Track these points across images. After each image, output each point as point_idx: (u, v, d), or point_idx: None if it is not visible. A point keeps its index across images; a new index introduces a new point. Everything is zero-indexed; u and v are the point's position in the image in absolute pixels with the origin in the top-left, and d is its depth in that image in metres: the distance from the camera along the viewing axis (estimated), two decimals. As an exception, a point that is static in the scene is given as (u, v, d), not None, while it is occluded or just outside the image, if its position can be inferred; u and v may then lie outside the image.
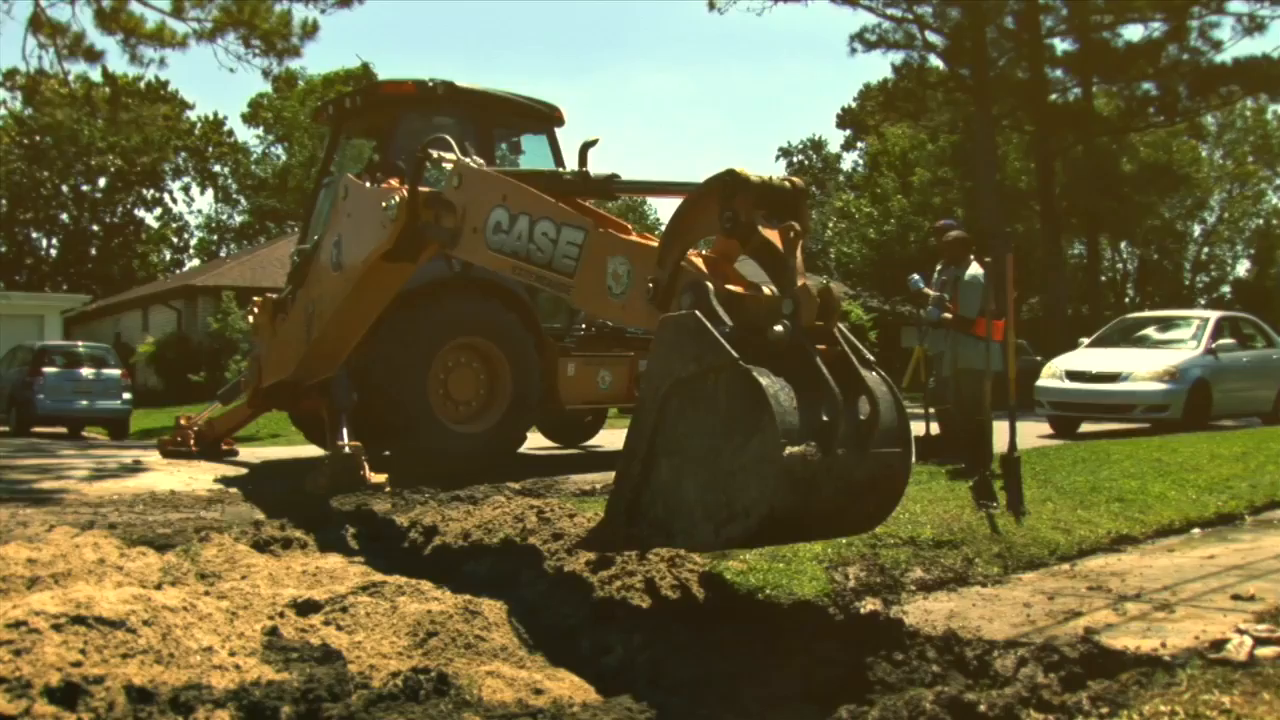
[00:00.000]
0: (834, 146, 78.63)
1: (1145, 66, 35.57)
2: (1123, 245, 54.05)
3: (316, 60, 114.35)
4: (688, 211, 4.49)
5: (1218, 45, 34.71)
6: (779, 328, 3.97)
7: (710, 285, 4.17)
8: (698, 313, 4.06)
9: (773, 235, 4.23)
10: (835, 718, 3.71)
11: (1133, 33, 36.27)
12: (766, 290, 4.24)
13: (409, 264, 6.68)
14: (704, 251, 4.68)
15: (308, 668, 3.90)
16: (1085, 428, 16.73)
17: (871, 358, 4.11)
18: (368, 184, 6.92)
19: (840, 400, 3.78)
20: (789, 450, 3.61)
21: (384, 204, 6.27)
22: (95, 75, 25.27)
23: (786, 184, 4.33)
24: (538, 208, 5.33)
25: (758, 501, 3.71)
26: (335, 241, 7.26)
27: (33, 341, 27.67)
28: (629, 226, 5.25)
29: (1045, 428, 16.50)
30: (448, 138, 6.24)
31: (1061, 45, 37.30)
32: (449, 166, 5.96)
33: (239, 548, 5.68)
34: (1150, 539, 7.46)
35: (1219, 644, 4.16)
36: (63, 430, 24.18)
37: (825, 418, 3.77)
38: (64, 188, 60.89)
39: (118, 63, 57.72)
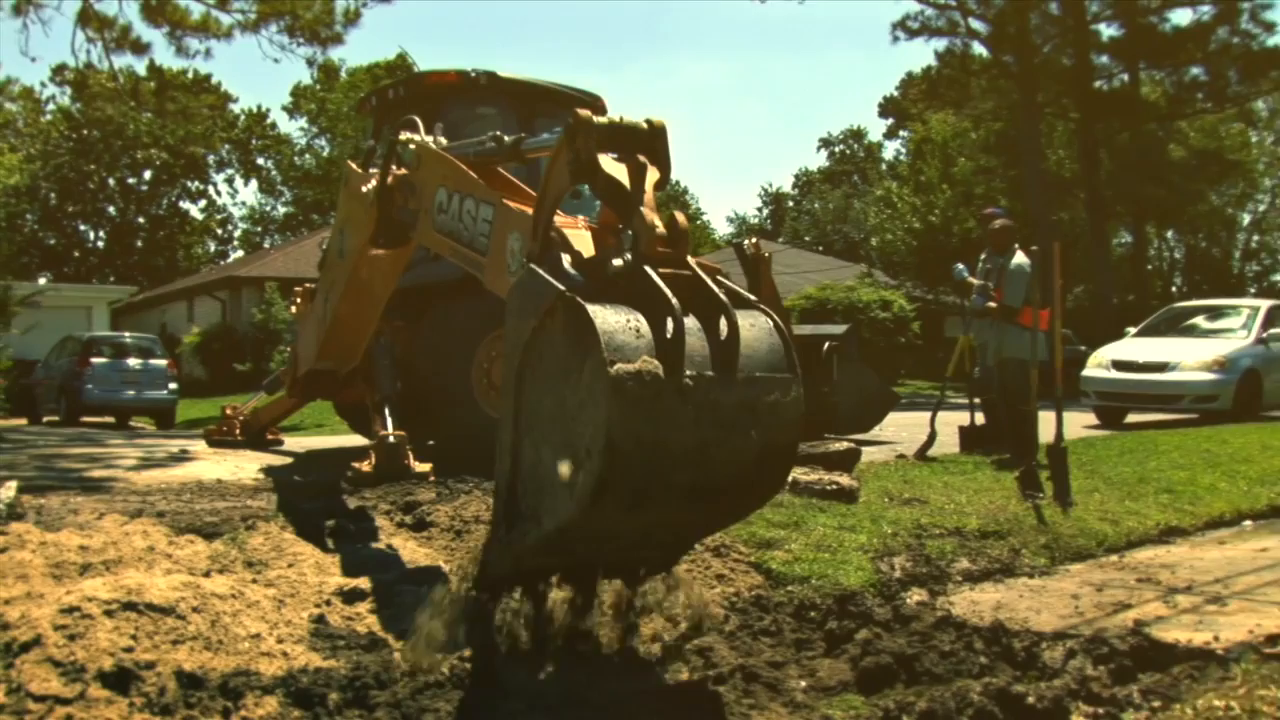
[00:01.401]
0: (876, 135, 78.36)
1: (1194, 51, 35.09)
2: (1170, 233, 53.43)
3: (357, 52, 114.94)
4: (548, 170, 4.17)
5: (1270, 28, 34.19)
6: (617, 261, 3.61)
7: (567, 255, 3.83)
8: (531, 265, 3.76)
9: (622, 171, 3.89)
10: (883, 708, 3.70)
11: (1181, 17, 35.82)
12: None
13: (402, 250, 6.64)
14: (591, 223, 4.40)
15: (354, 655, 3.93)
16: (1132, 418, 16.56)
17: (751, 297, 3.67)
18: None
19: (679, 311, 3.32)
20: (619, 367, 3.19)
21: (364, 189, 6.28)
22: (141, 68, 25.54)
23: (641, 124, 3.96)
24: (464, 184, 5.09)
25: (596, 434, 3.24)
26: (340, 228, 7.31)
27: (81, 332, 27.98)
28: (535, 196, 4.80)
29: (1091, 418, 16.34)
30: (415, 119, 6.14)
31: (1107, 30, 36.92)
32: (413, 148, 5.89)
33: (285, 536, 5.72)
34: (1200, 531, 7.38)
35: (1275, 638, 4.12)
36: (110, 420, 24.45)
37: (668, 335, 3.33)
38: (110, 181, 61.49)
39: (164, 55, 58.18)
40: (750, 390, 3.43)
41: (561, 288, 3.47)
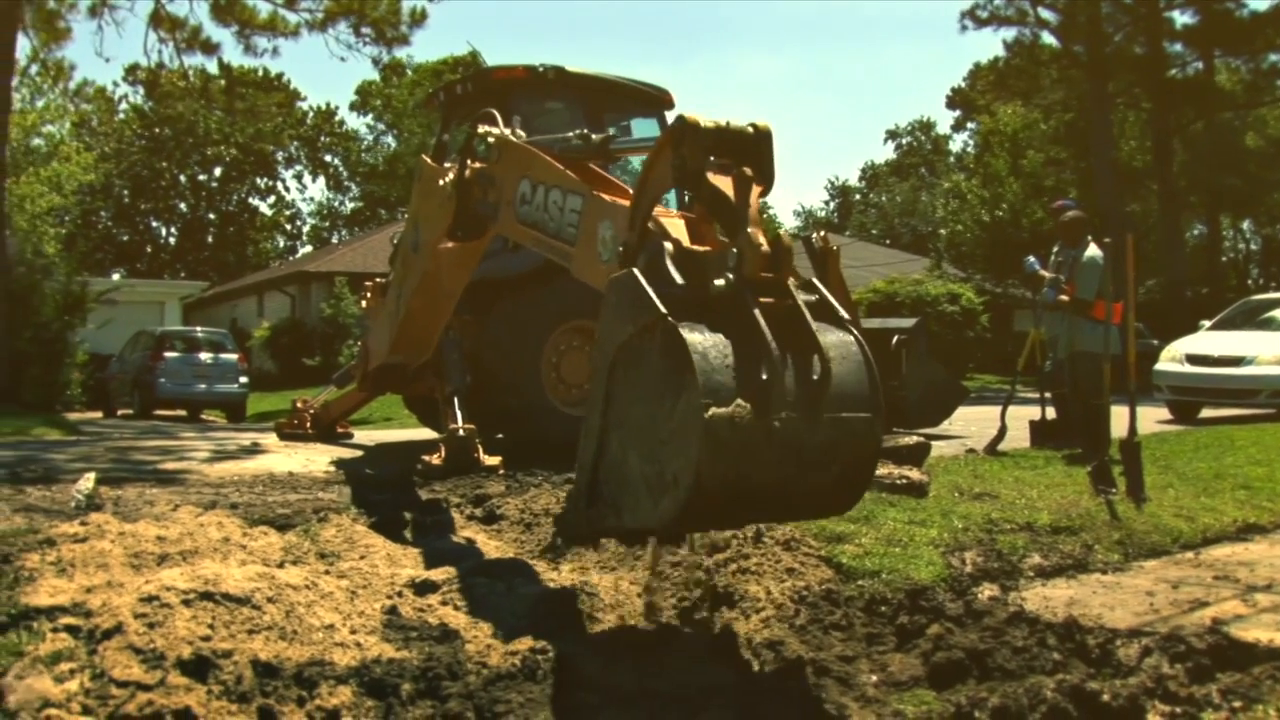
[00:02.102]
0: (943, 127, 77.55)
1: (1274, 36, 34.36)
2: (1245, 224, 52.45)
3: (423, 49, 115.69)
4: (648, 166, 4.21)
5: (1354, 11, 33.43)
6: (720, 281, 3.60)
7: (668, 245, 3.86)
8: (634, 270, 3.74)
9: (726, 184, 3.91)
10: (954, 704, 3.67)
11: (1259, 2, 35.12)
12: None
13: (476, 243, 6.68)
14: (686, 213, 4.42)
15: (426, 646, 3.96)
16: (1206, 413, 16.27)
17: (844, 314, 3.70)
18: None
19: (777, 355, 3.39)
20: (713, 411, 3.26)
21: (441, 182, 6.32)
22: (212, 68, 25.93)
23: (748, 128, 3.98)
24: (551, 176, 5.16)
25: (684, 469, 3.36)
26: (414, 222, 7.36)
27: (154, 327, 28.52)
28: (628, 190, 4.88)
29: (1164, 413, 16.08)
30: (494, 112, 6.18)
31: (1181, 18, 36.28)
32: (492, 141, 5.93)
33: (357, 528, 5.78)
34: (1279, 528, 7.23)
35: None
36: (182, 413, 24.87)
37: (763, 376, 3.38)
38: (182, 178, 62.55)
39: (232, 54, 58.99)
40: (835, 431, 3.49)
41: (662, 309, 3.49)
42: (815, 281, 3.80)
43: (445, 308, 7.67)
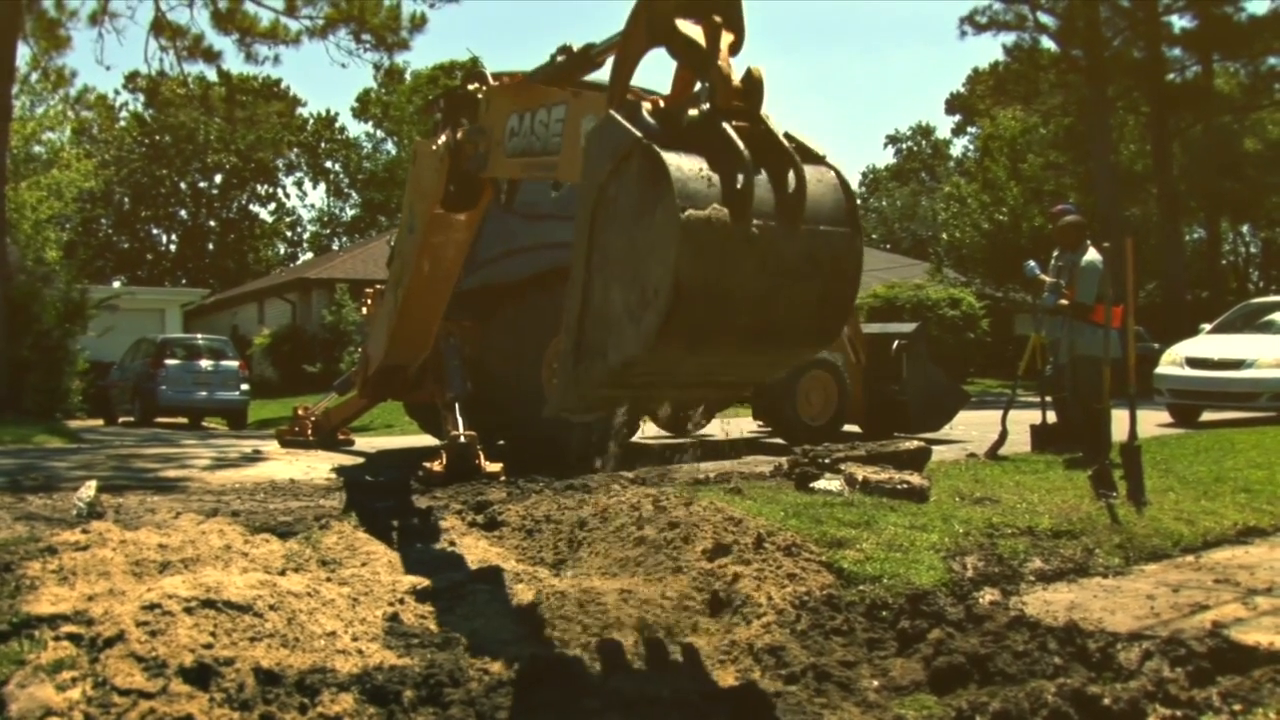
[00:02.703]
0: (943, 132, 77.69)
1: (1271, 40, 34.38)
2: (1245, 227, 52.42)
3: (422, 54, 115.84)
4: (624, 36, 4.28)
5: (1352, 15, 33.45)
6: (693, 111, 3.70)
7: (645, 104, 3.86)
8: (611, 111, 3.80)
9: (698, 32, 3.92)
10: (955, 709, 3.67)
11: (1258, 6, 35.15)
12: None
13: (471, 212, 6.70)
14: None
15: (428, 653, 3.96)
16: (1207, 416, 16.28)
17: (821, 152, 3.73)
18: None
19: (750, 164, 3.42)
20: (689, 213, 3.30)
21: (434, 147, 6.38)
22: (212, 75, 25.99)
23: None
24: (534, 99, 5.23)
25: (664, 276, 3.38)
26: (410, 205, 7.39)
27: (154, 334, 28.48)
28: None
29: (1164, 416, 16.09)
30: (481, 70, 6.23)
31: (1179, 22, 36.29)
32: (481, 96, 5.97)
33: (358, 535, 5.79)
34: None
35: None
36: (183, 420, 24.87)
37: (738, 185, 3.42)
38: (182, 185, 62.62)
39: (233, 62, 59.14)
40: (813, 242, 3.53)
41: (638, 134, 3.55)
42: (790, 131, 3.81)
43: (442, 292, 7.65)
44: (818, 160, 3.70)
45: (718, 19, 3.92)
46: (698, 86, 3.96)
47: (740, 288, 3.45)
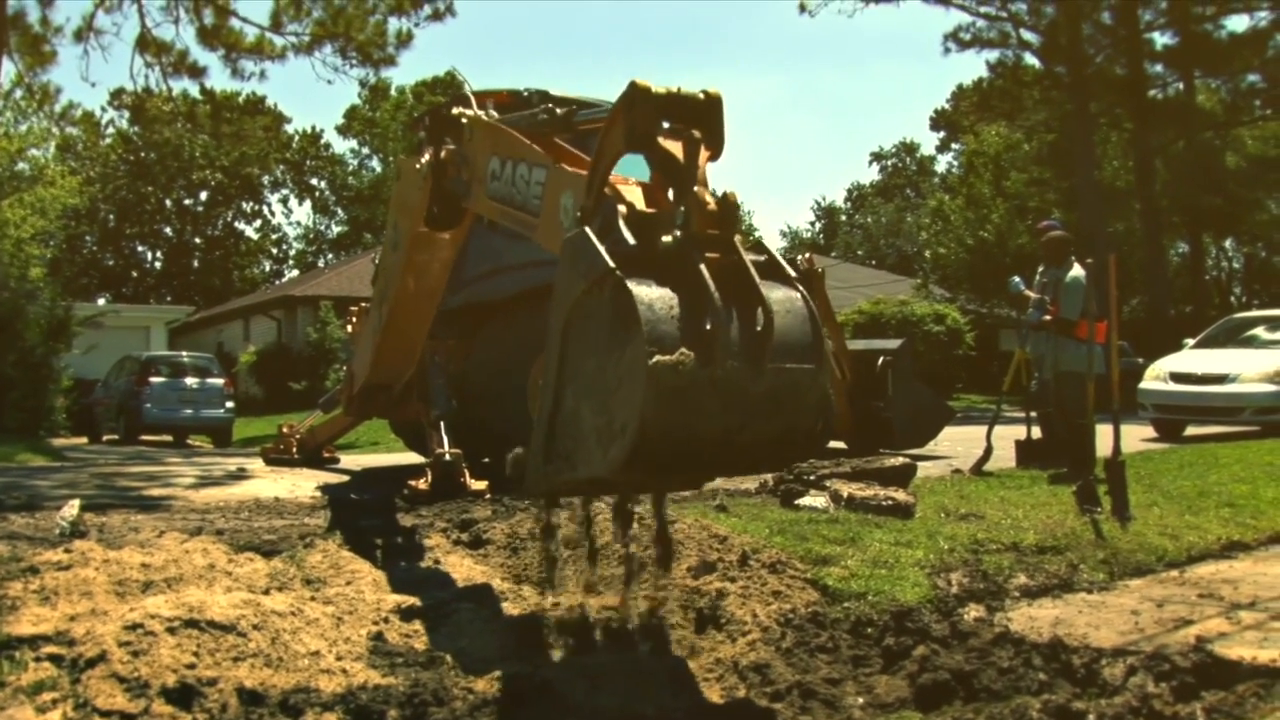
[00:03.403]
0: (928, 149, 77.97)
1: (1251, 58, 34.60)
2: (1228, 243, 52.65)
3: (407, 71, 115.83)
4: (604, 134, 4.27)
5: (1331, 33, 33.66)
6: (668, 238, 3.72)
7: (622, 208, 3.96)
8: (585, 229, 3.83)
9: (677, 148, 4.00)
10: (941, 726, 3.68)
11: (1237, 23, 35.40)
12: None
13: (454, 231, 6.71)
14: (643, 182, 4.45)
15: (413, 672, 3.95)
16: (1191, 431, 16.33)
17: (792, 272, 3.79)
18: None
19: (719, 306, 3.47)
20: (657, 359, 3.35)
21: (418, 165, 6.39)
22: (197, 92, 25.96)
23: (698, 94, 4.06)
24: (517, 151, 5.23)
25: (630, 416, 3.45)
26: (394, 222, 7.39)
27: (139, 352, 28.38)
28: (588, 161, 4.88)
29: (1149, 431, 16.13)
30: (468, 94, 6.26)
31: (1161, 39, 36.50)
32: (465, 121, 5.99)
33: (343, 554, 5.77)
34: (1263, 545, 7.24)
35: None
36: (168, 438, 24.78)
37: (707, 326, 3.47)
38: (167, 202, 62.48)
39: (219, 78, 59.13)
40: (777, 380, 3.58)
41: (611, 264, 3.58)
42: (765, 243, 3.93)
43: (427, 310, 7.64)
44: (788, 282, 3.75)
45: (697, 134, 3.98)
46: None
47: (704, 427, 3.52)
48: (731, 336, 3.51)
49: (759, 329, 3.56)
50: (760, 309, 3.57)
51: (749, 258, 3.71)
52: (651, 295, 3.49)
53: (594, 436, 3.67)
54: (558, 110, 5.61)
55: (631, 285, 3.49)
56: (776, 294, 3.65)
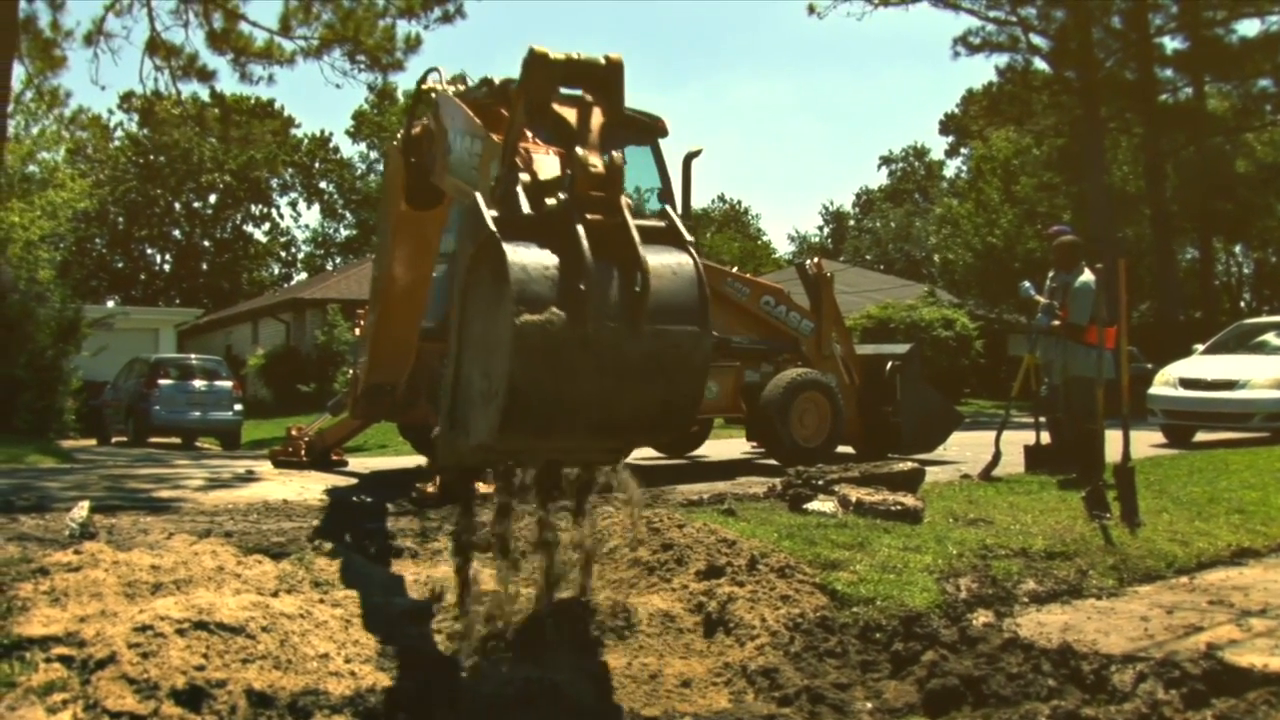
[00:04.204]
0: (937, 153, 77.87)
1: (1262, 62, 34.52)
2: (1238, 248, 52.54)
3: (417, 75, 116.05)
4: (513, 103, 4.29)
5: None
6: (552, 200, 3.73)
7: (524, 175, 3.94)
8: (476, 194, 3.87)
9: (571, 113, 4.02)
10: (950, 731, 3.67)
11: (1248, 28, 35.34)
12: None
13: (438, 210, 6.70)
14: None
15: (422, 675, 3.95)
16: (1200, 437, 16.28)
17: (689, 237, 3.76)
18: None
19: (591, 266, 3.46)
20: (524, 318, 3.36)
21: (395, 143, 6.41)
22: (206, 95, 26.03)
23: (599, 59, 4.08)
24: (467, 124, 5.24)
25: (501, 376, 3.45)
26: (384, 212, 7.39)
27: (148, 354, 28.45)
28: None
29: (1158, 437, 16.09)
30: (438, 68, 6.26)
31: (1171, 44, 36.48)
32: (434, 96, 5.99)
33: (352, 557, 5.77)
34: (1274, 552, 7.22)
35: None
36: (177, 440, 24.82)
37: (581, 287, 3.47)
38: (176, 205, 62.62)
39: (228, 82, 59.19)
40: (657, 342, 3.55)
41: (492, 227, 3.58)
42: (668, 208, 3.91)
43: (418, 300, 7.61)
44: (682, 246, 3.72)
45: (589, 98, 4.00)
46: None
47: (579, 388, 3.50)
48: (609, 297, 3.49)
49: (637, 290, 3.54)
50: (639, 273, 3.54)
51: (639, 221, 3.71)
52: (526, 257, 3.49)
53: (480, 400, 3.67)
54: (495, 80, 5.60)
55: (507, 248, 3.49)
56: (664, 257, 3.64)
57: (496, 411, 3.48)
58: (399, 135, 6.42)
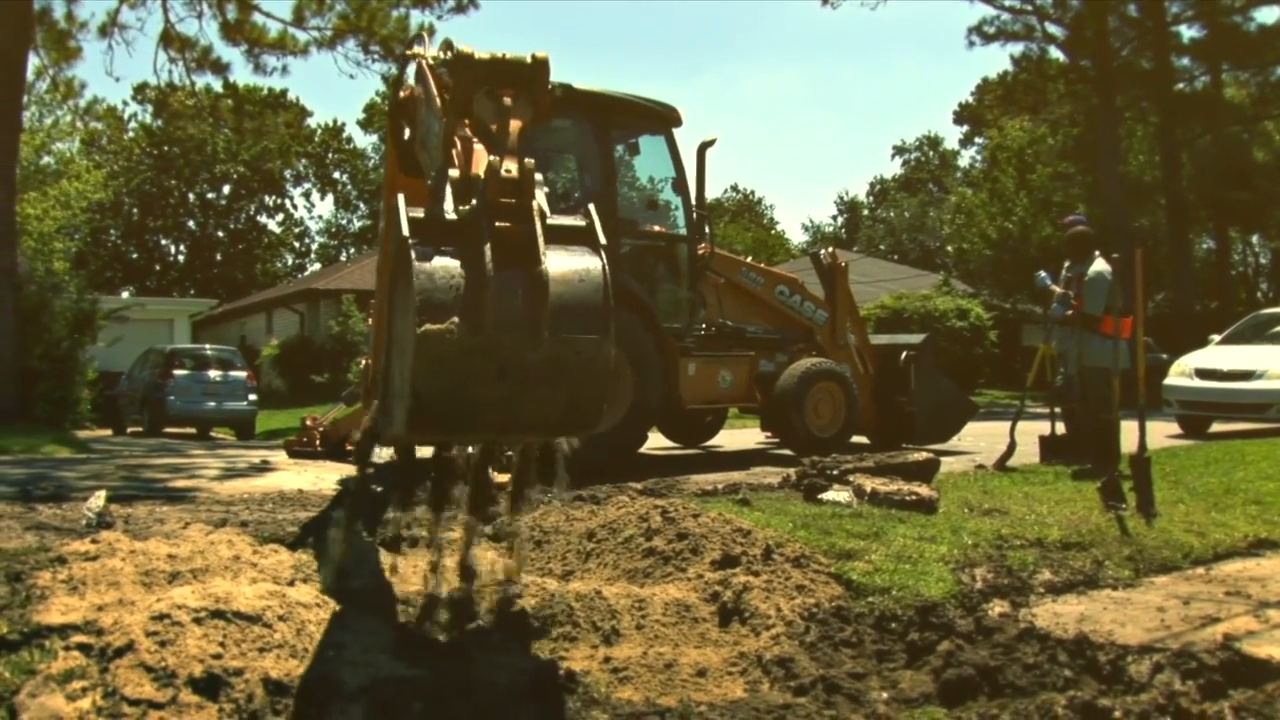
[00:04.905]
0: (951, 143, 77.68)
1: (1280, 50, 34.41)
2: (1255, 238, 52.34)
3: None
4: (445, 107, 4.31)
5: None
6: (464, 206, 3.73)
7: (453, 172, 3.94)
8: (399, 196, 3.86)
9: (490, 114, 4.04)
10: (966, 721, 3.66)
11: (1267, 15, 35.17)
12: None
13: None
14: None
15: (437, 664, 3.95)
16: (1216, 428, 16.24)
17: (602, 240, 3.76)
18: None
19: (490, 275, 3.51)
20: (425, 327, 3.42)
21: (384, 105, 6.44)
22: (220, 86, 26.09)
23: (524, 58, 4.06)
24: (431, 103, 5.26)
25: (406, 381, 3.54)
26: (386, 182, 7.39)
27: (163, 345, 28.57)
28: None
29: (1174, 427, 16.06)
30: (424, 35, 6.22)
31: (1188, 32, 36.39)
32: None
33: (367, 546, 5.78)
34: (1291, 543, 7.20)
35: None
36: (192, 430, 24.91)
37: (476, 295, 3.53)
38: (190, 196, 62.78)
39: (242, 73, 59.31)
40: (558, 349, 3.59)
41: (405, 231, 3.63)
42: (590, 208, 3.88)
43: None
44: (595, 249, 3.74)
45: (508, 100, 4.00)
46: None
47: (480, 394, 3.57)
48: (511, 306, 3.53)
49: (534, 299, 3.57)
50: (538, 284, 3.57)
51: (558, 221, 3.75)
52: (432, 265, 3.54)
53: (396, 396, 3.77)
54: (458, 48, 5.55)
55: (414, 254, 3.55)
56: (573, 262, 3.67)
57: (403, 412, 3.60)
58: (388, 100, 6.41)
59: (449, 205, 3.80)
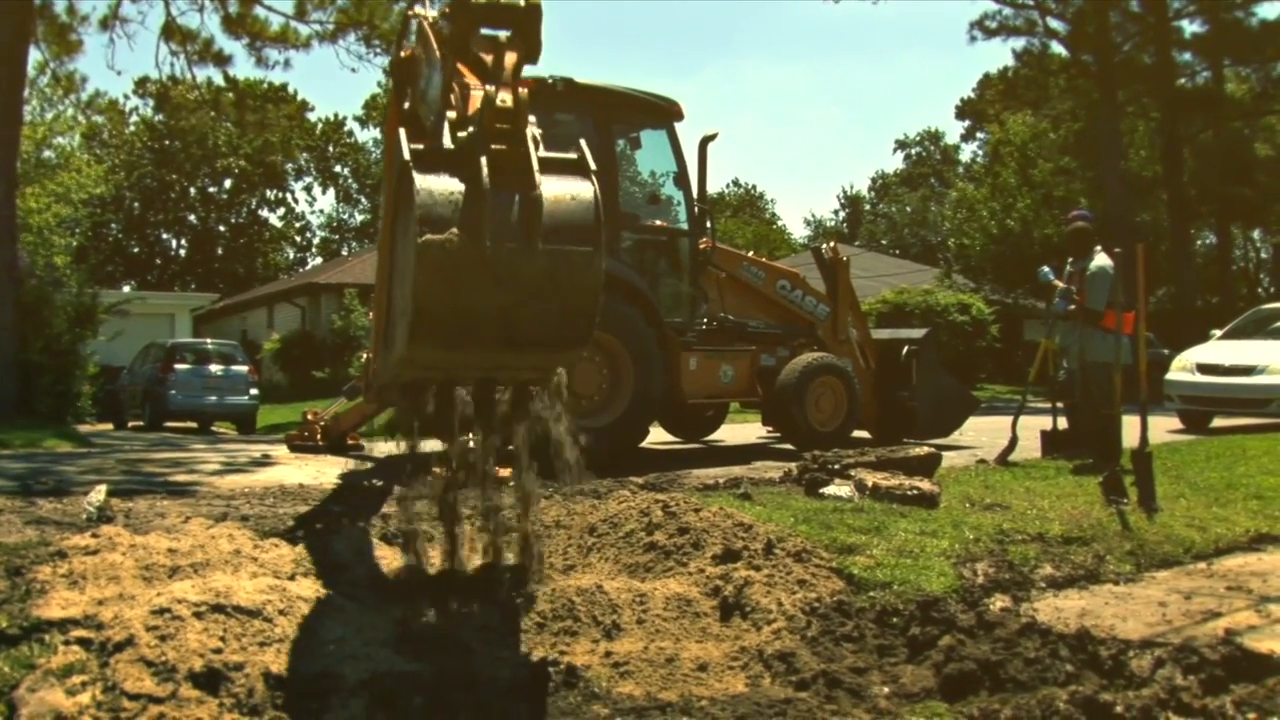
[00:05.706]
0: (953, 138, 77.56)
1: (1283, 45, 34.34)
2: (1256, 233, 52.30)
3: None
4: (440, 52, 4.56)
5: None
6: (462, 133, 3.96)
7: (451, 112, 4.19)
8: (400, 129, 4.09)
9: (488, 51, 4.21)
10: (967, 716, 3.66)
11: (1268, 10, 35.12)
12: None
13: None
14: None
15: (438, 658, 3.95)
16: (1217, 423, 16.22)
17: (593, 167, 3.99)
18: None
19: (488, 189, 3.72)
20: (426, 238, 3.61)
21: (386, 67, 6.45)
22: (221, 80, 26.06)
23: (519, 2, 4.25)
24: (431, 57, 5.34)
25: (408, 295, 3.71)
26: (386, 151, 7.36)
27: (164, 339, 28.53)
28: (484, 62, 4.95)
29: (1175, 422, 16.04)
30: None
31: (1190, 27, 36.29)
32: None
33: (367, 539, 5.78)
34: (1292, 538, 7.19)
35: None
36: (193, 425, 24.90)
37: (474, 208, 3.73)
38: (192, 190, 62.77)
39: (244, 66, 59.30)
40: (553, 261, 3.80)
41: (407, 156, 3.81)
42: (581, 142, 4.09)
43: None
44: (586, 176, 3.95)
45: (503, 38, 4.18)
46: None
47: (479, 304, 3.75)
48: (507, 219, 3.74)
49: (528, 213, 3.79)
50: (531, 196, 3.79)
51: (550, 154, 3.96)
52: (432, 183, 3.73)
53: (400, 318, 3.92)
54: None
55: (416, 175, 3.74)
56: (566, 184, 3.89)
57: (406, 329, 3.76)
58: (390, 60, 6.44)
59: (447, 140, 4.02)
